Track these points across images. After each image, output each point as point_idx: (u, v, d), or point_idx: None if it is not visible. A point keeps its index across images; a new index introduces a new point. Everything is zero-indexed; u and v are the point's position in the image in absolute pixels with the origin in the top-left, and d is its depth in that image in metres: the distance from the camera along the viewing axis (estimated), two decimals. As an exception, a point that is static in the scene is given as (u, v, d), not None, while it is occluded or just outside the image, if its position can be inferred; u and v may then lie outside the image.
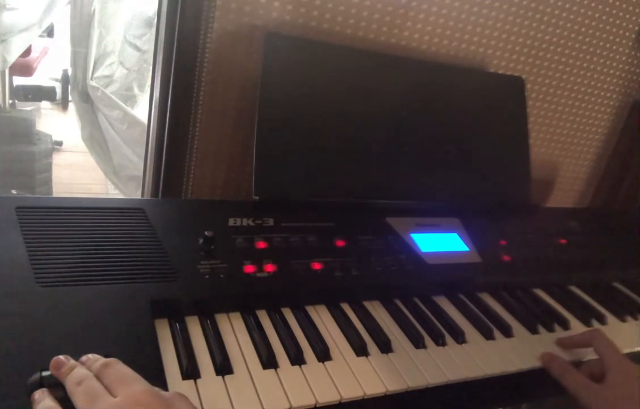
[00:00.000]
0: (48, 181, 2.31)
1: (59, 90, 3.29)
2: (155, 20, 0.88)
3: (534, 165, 1.05)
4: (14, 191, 2.10)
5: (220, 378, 0.55)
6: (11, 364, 0.47)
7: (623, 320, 0.84)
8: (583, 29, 1.13)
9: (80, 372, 0.45)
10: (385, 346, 0.65)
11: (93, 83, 2.27)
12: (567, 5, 1.09)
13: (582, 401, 0.63)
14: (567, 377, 0.65)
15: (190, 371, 0.54)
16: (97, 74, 2.28)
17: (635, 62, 1.23)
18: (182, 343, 0.57)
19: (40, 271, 0.58)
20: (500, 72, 1.09)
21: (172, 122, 0.89)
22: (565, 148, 1.27)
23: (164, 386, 0.50)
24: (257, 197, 0.80)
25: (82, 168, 2.76)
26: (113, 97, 2.26)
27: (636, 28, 1.18)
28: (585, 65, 1.18)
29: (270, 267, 0.69)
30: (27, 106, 3.00)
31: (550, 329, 0.76)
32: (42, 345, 0.50)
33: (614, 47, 1.18)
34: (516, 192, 1.03)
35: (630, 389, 0.62)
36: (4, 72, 2.47)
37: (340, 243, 0.77)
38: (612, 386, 0.63)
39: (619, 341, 0.77)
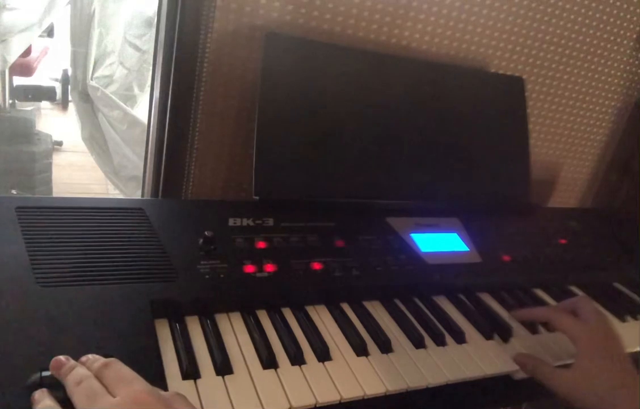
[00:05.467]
0: (48, 181, 2.31)
1: (59, 91, 3.29)
2: (155, 20, 0.88)
3: (535, 166, 1.05)
4: (14, 191, 2.10)
5: (220, 378, 0.55)
6: (11, 364, 0.47)
7: (623, 320, 0.84)
8: (584, 29, 1.13)
9: (80, 372, 0.45)
10: (385, 346, 0.65)
11: (93, 83, 2.27)
12: (568, 6, 1.09)
13: (555, 390, 0.63)
14: (539, 371, 0.65)
15: (190, 371, 0.54)
16: (97, 74, 2.28)
17: (636, 62, 1.23)
18: (182, 343, 0.57)
19: (40, 271, 0.58)
20: (500, 72, 1.09)
21: (172, 122, 0.89)
22: (566, 149, 1.27)
23: (164, 386, 0.50)
24: (257, 197, 0.80)
25: (82, 168, 2.76)
26: (113, 97, 2.26)
27: (637, 28, 1.18)
28: (585, 65, 1.18)
29: (270, 267, 0.69)
30: (27, 106, 2.99)
31: (550, 329, 0.76)
32: (42, 345, 0.50)
33: (615, 48, 1.18)
34: (516, 192, 1.03)
35: (598, 366, 0.61)
36: (4, 72, 2.47)
37: (340, 243, 0.77)
38: (581, 365, 0.62)
39: (619, 341, 0.77)
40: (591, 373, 0.61)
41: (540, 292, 0.87)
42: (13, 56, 2.13)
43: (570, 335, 0.66)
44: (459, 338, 0.70)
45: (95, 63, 2.27)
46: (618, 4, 1.13)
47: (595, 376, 0.60)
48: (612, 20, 1.15)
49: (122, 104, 2.26)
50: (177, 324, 0.60)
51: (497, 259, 0.86)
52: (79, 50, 2.29)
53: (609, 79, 1.22)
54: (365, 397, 0.57)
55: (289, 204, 0.82)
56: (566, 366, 0.64)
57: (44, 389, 0.45)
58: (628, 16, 1.16)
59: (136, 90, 2.37)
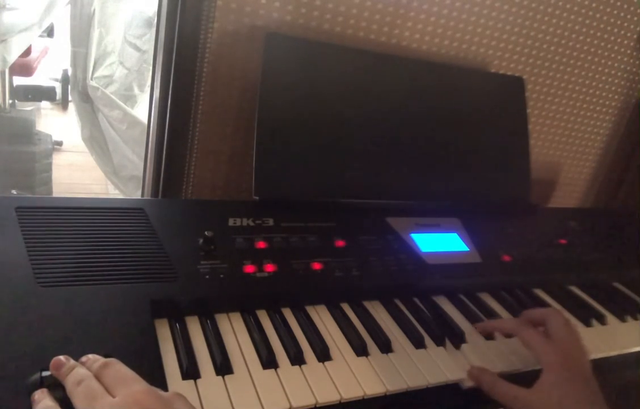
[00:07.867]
0: (48, 181, 2.31)
1: (59, 90, 3.29)
2: (155, 20, 0.88)
3: (535, 166, 1.05)
4: (14, 191, 2.10)
5: (220, 378, 0.55)
6: (11, 364, 0.47)
7: (623, 320, 0.84)
8: (584, 30, 1.13)
9: (80, 372, 0.45)
10: (385, 346, 0.65)
11: (93, 83, 2.27)
12: (568, 6, 1.09)
13: None
14: (496, 389, 0.61)
15: (190, 371, 0.54)
16: (97, 74, 2.28)
17: (636, 62, 1.23)
18: (182, 343, 0.57)
19: (40, 271, 0.58)
20: (500, 72, 1.09)
21: (172, 122, 0.89)
22: (567, 149, 1.27)
23: (164, 387, 0.50)
24: (257, 197, 0.80)
25: (82, 168, 2.76)
26: (113, 97, 2.26)
27: (638, 28, 1.18)
28: (586, 65, 1.18)
29: (270, 267, 0.69)
30: (27, 106, 2.99)
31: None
32: (42, 345, 0.50)
33: (615, 48, 1.18)
34: (516, 192, 1.03)
35: (563, 391, 0.57)
36: (4, 72, 2.47)
37: (340, 243, 0.77)
38: (543, 388, 0.58)
39: (619, 341, 0.77)
40: (554, 397, 0.57)
41: (540, 292, 0.86)
42: (13, 56, 2.12)
43: (537, 353, 0.62)
44: (459, 338, 0.69)
45: (95, 63, 2.27)
46: (618, 4, 1.13)
47: (558, 400, 0.57)
48: (612, 20, 1.15)
49: (122, 104, 2.26)
50: (177, 324, 0.60)
51: (497, 259, 0.86)
52: (79, 50, 2.29)
53: (609, 79, 1.22)
54: (365, 397, 0.57)
55: (289, 204, 0.82)
56: (526, 385, 0.60)
57: (44, 389, 0.45)
58: (628, 16, 1.16)
59: (136, 90, 2.37)
